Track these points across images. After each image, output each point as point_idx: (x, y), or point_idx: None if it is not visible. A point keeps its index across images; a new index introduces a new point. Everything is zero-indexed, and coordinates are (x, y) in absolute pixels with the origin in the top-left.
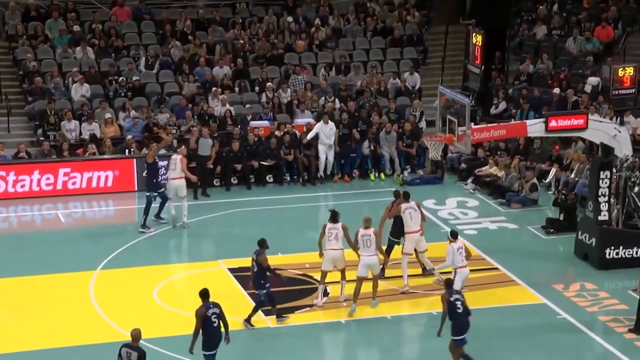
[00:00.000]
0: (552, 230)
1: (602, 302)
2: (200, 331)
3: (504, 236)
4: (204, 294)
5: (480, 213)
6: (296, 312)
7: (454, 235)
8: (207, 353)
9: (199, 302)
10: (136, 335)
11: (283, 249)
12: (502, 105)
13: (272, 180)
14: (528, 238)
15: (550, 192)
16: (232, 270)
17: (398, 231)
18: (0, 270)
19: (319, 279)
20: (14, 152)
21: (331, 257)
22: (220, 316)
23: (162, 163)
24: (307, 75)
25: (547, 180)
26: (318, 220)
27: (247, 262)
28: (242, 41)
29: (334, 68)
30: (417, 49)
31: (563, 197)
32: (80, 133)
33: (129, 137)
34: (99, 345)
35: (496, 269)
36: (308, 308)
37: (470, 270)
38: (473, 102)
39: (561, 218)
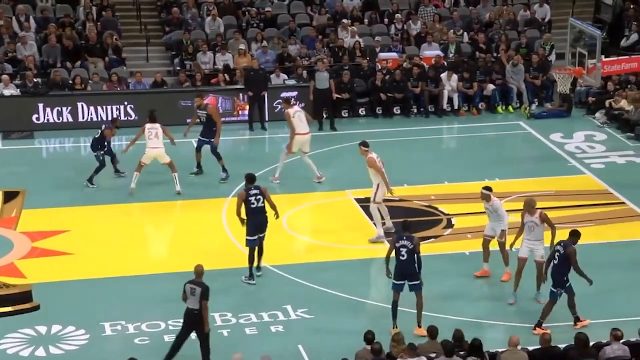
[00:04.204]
0: None
1: None
2: None
3: (632, 171)
4: None
5: (608, 147)
6: (421, 243)
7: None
8: None
9: (327, 231)
10: (199, 271)
11: (409, 181)
12: (634, 37)
13: (399, 112)
14: None
15: None
16: (358, 200)
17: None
18: (139, 195)
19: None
20: (152, 80)
21: (153, 155)
22: None
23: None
24: (437, 5)
25: None
26: (442, 153)
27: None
28: None
29: None
30: None
31: None
32: (214, 64)
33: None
34: (229, 270)
35: (623, 203)
36: (433, 239)
37: (596, 205)
38: (604, 34)
39: None
